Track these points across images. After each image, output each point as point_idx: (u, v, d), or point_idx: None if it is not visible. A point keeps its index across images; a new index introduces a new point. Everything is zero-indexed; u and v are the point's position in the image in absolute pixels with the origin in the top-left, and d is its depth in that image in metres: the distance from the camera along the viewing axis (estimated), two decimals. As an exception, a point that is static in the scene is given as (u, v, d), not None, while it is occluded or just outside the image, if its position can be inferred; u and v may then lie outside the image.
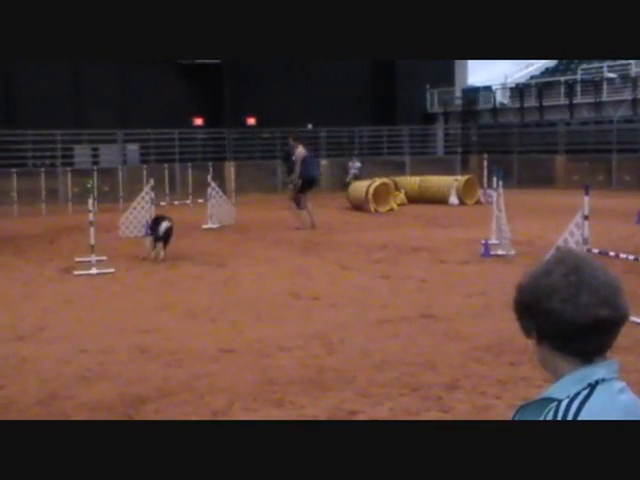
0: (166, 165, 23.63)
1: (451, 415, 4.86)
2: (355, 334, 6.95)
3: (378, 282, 9.56)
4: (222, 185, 21.13)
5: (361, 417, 4.84)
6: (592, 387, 1.57)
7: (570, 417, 1.54)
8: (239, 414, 4.96)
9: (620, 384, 1.61)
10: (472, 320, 7.40)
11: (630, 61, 25.76)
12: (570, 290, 1.59)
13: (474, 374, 5.71)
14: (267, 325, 7.39)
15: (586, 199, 7.85)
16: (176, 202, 20.77)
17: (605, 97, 26.27)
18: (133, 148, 25.75)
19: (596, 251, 7.97)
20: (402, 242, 13.06)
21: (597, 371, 1.60)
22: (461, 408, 4.99)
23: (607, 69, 26.63)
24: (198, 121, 26.89)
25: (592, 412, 1.53)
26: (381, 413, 4.90)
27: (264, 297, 8.70)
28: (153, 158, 24.97)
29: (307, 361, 6.11)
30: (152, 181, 15.98)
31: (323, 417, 4.86)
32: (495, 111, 29.72)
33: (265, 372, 5.84)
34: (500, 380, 5.53)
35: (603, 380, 1.59)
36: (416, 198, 21.27)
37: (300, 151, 14.89)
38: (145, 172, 21.52)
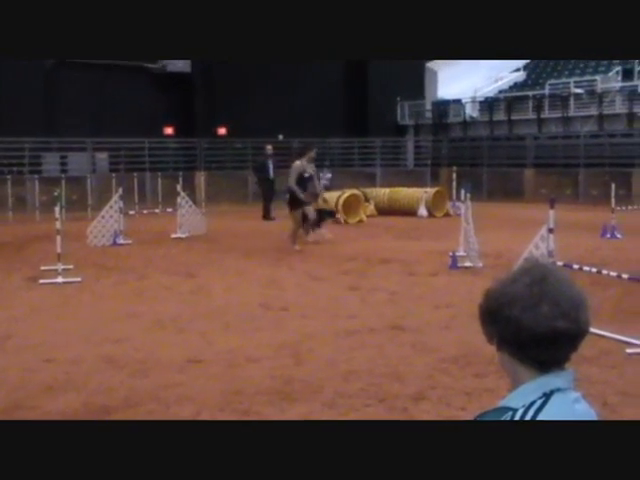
0: (136, 174, 23.49)
1: (417, 426, 4.89)
2: (323, 345, 6.97)
3: (347, 293, 9.60)
4: (192, 195, 21.08)
5: (327, 428, 4.85)
6: (547, 396, 1.61)
7: None
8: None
9: (575, 394, 1.65)
10: (440, 332, 7.46)
11: (596, 77, 26.25)
12: (532, 300, 1.62)
13: (440, 385, 5.76)
14: (236, 336, 7.37)
15: (551, 212, 7.98)
16: (145, 211, 20.68)
17: (572, 112, 26.71)
18: (102, 157, 25.56)
19: (561, 264, 8.10)
20: (371, 253, 13.12)
21: (553, 381, 1.63)
22: (426, 419, 5.02)
23: (574, 85, 27.09)
24: (169, 130, 26.79)
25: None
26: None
27: (233, 307, 8.68)
28: (123, 167, 24.81)
29: (275, 372, 6.12)
30: (121, 190, 15.90)
31: (290, 428, 4.86)
32: (465, 124, 30.04)
33: (233, 383, 5.83)
34: (465, 391, 5.58)
35: (558, 390, 1.62)
36: (386, 210, 21.39)
37: (297, 165, 13.75)
38: (114, 181, 21.40)
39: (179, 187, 16.98)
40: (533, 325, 1.61)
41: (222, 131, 27.37)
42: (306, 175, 13.51)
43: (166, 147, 26.27)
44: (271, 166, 20.54)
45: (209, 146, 26.63)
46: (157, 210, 20.74)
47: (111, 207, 15.22)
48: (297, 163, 13.63)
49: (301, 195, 13.36)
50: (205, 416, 5.10)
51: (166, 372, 6.14)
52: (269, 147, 20.84)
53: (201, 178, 24.50)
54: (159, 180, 23.37)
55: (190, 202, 16.99)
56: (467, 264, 11.31)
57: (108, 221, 15.07)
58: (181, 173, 22.24)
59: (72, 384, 5.82)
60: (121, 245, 14.74)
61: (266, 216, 20.26)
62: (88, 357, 6.58)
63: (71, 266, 11.20)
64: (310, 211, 13.96)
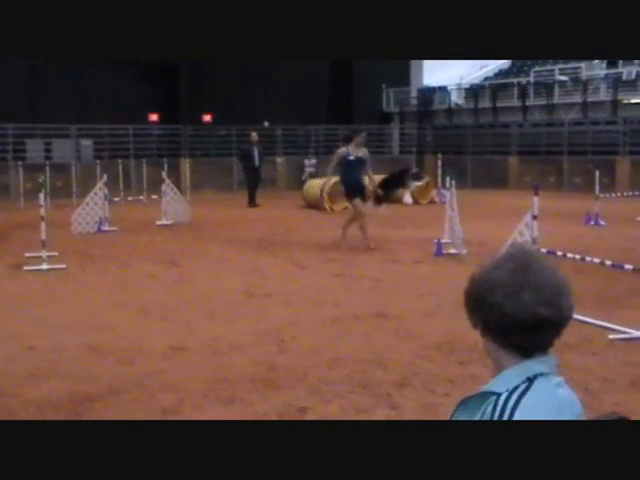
0: (120, 161, 23.36)
1: (400, 412, 4.92)
2: (307, 332, 6.99)
3: (331, 281, 9.61)
4: (177, 182, 21.01)
5: (310, 415, 4.87)
6: (530, 381, 1.63)
7: (508, 410, 1.58)
8: (189, 412, 4.95)
9: (557, 379, 1.67)
10: (424, 319, 7.49)
11: (581, 64, 26.31)
12: (514, 286, 1.64)
13: (424, 372, 5.78)
14: (220, 323, 7.37)
15: (535, 199, 8.01)
16: (130, 198, 20.58)
17: (557, 100, 26.78)
18: (87, 143, 25.40)
19: (544, 251, 8.14)
20: (356, 241, 13.12)
21: (536, 366, 1.65)
22: (410, 406, 5.05)
23: (559, 72, 27.14)
24: (153, 117, 26.63)
25: (529, 405, 1.58)
26: (331, 410, 4.94)
27: (217, 295, 8.67)
28: (107, 154, 24.66)
29: (259, 359, 6.12)
30: (105, 177, 15.82)
31: (273, 415, 4.88)
32: (450, 112, 30.05)
33: (216, 370, 5.83)
34: (449, 378, 5.61)
35: (542, 374, 1.64)
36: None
37: (340, 150, 12.35)
38: (99, 168, 21.27)
39: (164, 174, 16.91)
40: (516, 311, 1.63)
41: (207, 118, 27.24)
42: (351, 158, 11.98)
43: (150, 134, 26.12)
44: (256, 153, 20.49)
45: (194, 133, 26.51)
46: (142, 197, 20.65)
47: (96, 194, 15.15)
48: (341, 149, 12.32)
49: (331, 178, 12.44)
50: (188, 404, 5.10)
51: (150, 360, 6.13)
52: (254, 134, 20.78)
53: (186, 165, 24.40)
54: (144, 167, 23.25)
55: (175, 189, 16.93)
56: (452, 251, 11.35)
57: (93, 208, 14.99)
58: (166, 160, 22.15)
59: (55, 372, 5.80)
60: (106, 232, 14.68)
61: (251, 203, 20.26)
62: (72, 345, 6.56)
63: (56, 253, 11.14)
64: (359, 204, 12.10)
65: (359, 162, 12.04)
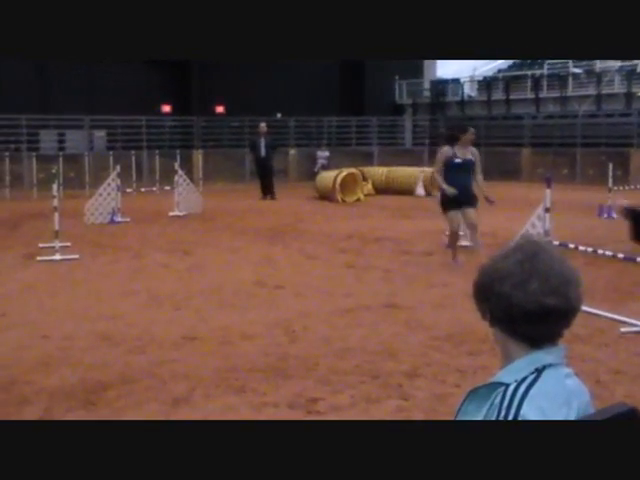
0: (133, 152, 23.43)
1: (410, 403, 4.93)
2: (318, 323, 7.00)
3: (343, 271, 9.63)
4: (190, 173, 21.04)
5: (321, 404, 4.89)
6: (539, 372, 1.63)
7: (517, 400, 1.59)
8: (200, 400, 4.99)
9: (566, 370, 1.67)
10: (434, 310, 7.49)
11: (595, 56, 26.10)
12: (522, 276, 1.64)
13: (434, 363, 5.79)
14: (231, 313, 7.40)
15: (548, 192, 7.98)
16: (143, 189, 20.67)
17: (570, 92, 26.63)
18: (100, 134, 25.48)
19: (557, 243, 8.12)
20: (368, 232, 13.14)
21: (545, 357, 1.65)
22: (420, 396, 5.06)
23: (572, 64, 26.98)
24: (166, 108, 26.68)
25: (538, 396, 1.59)
26: (341, 401, 4.96)
27: (229, 285, 8.71)
28: (120, 145, 24.74)
29: (270, 349, 6.15)
30: (118, 168, 15.88)
31: (284, 404, 4.90)
32: (463, 103, 29.95)
33: (227, 359, 5.86)
34: (459, 369, 5.61)
35: (550, 365, 1.65)
36: (383, 189, 21.39)
37: (444, 151, 10.02)
38: (112, 159, 21.35)
39: (177, 165, 16.95)
40: (523, 301, 1.63)
41: (219, 109, 27.27)
42: (457, 161, 9.74)
43: (163, 125, 26.17)
44: (263, 144, 20.20)
45: (206, 124, 26.54)
46: (154, 188, 20.73)
47: (109, 185, 15.21)
48: (445, 148, 10.03)
49: (444, 185, 9.65)
50: (199, 392, 5.13)
51: (161, 349, 6.17)
52: (263, 125, 20.57)
53: (198, 156, 24.45)
54: (156, 158, 23.31)
55: (187, 180, 16.97)
56: (463, 243, 11.32)
57: (105, 199, 15.06)
58: (178, 151, 22.20)
59: (67, 360, 5.84)
60: (118, 223, 14.75)
61: (265, 195, 20.16)
62: (83, 334, 6.60)
63: (68, 244, 11.21)
64: (469, 216, 9.72)
65: (467, 165, 9.80)
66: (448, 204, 9.64)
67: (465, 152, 9.85)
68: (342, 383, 5.30)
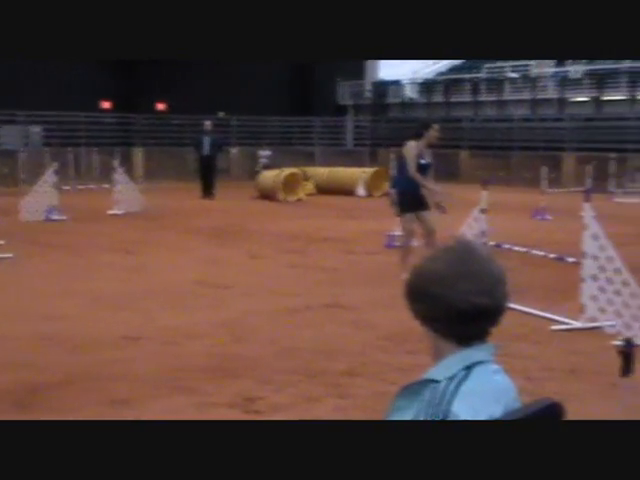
0: (71, 149, 23.01)
1: (350, 401, 5.04)
2: (263, 323, 7.06)
3: (288, 271, 9.70)
4: (130, 171, 20.78)
5: (260, 404, 4.95)
6: (469, 369, 1.69)
7: (447, 397, 1.64)
8: (142, 401, 4.99)
9: (495, 366, 1.73)
10: (377, 309, 7.61)
11: (530, 62, 26.82)
12: (452, 277, 1.69)
13: (375, 361, 5.91)
14: (174, 313, 7.39)
15: (484, 193, 8.20)
16: (81, 187, 20.31)
17: (507, 96, 27.26)
18: (36, 130, 24.93)
19: (493, 244, 8.35)
20: (312, 232, 13.24)
21: (474, 354, 1.71)
22: (360, 394, 5.16)
23: (509, 69, 27.62)
24: (106, 105, 26.27)
25: (467, 392, 1.65)
26: (281, 400, 5.02)
27: (173, 285, 8.68)
28: (58, 141, 24.26)
29: (213, 349, 6.18)
30: (56, 164, 15.59)
31: (224, 404, 4.94)
32: (404, 105, 30.33)
33: (170, 360, 5.87)
34: (399, 367, 5.73)
35: (480, 362, 1.70)
36: (325, 189, 21.53)
37: (413, 146, 9.13)
38: (48, 155, 20.93)
39: (116, 163, 16.73)
40: (454, 301, 1.69)
41: (161, 107, 26.99)
42: (422, 162, 9.10)
43: (103, 122, 25.77)
44: (207, 142, 20.05)
45: (147, 122, 26.24)
46: (93, 186, 20.41)
47: (45, 182, 14.93)
48: (412, 143, 9.14)
49: (434, 187, 9.18)
50: (142, 393, 5.13)
51: (103, 349, 6.13)
52: (208, 123, 20.41)
53: (139, 154, 24.17)
54: (95, 155, 22.94)
55: (127, 178, 16.77)
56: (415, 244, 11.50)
57: (42, 196, 14.78)
58: (118, 149, 21.90)
59: (5, 361, 5.75)
60: (55, 221, 14.49)
61: (205, 194, 20.02)
62: (22, 334, 6.50)
63: (2, 242, 10.97)
64: (428, 219, 9.11)
65: (427, 168, 9.22)
66: (407, 206, 8.99)
67: (427, 152, 9.24)
68: (283, 382, 5.37)
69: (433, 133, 9.21)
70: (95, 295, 8.10)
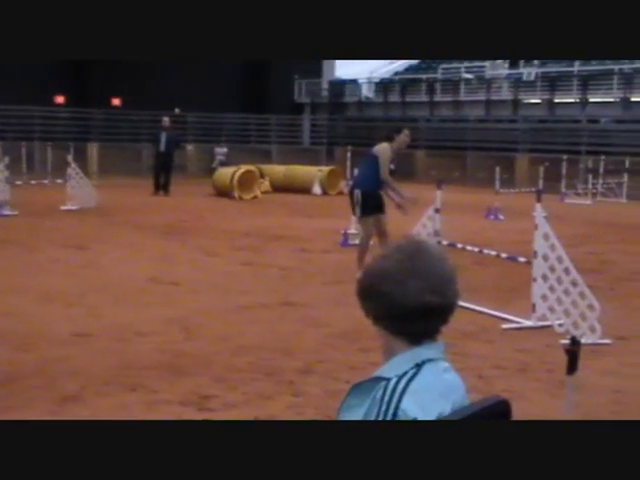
0: (24, 143, 22.59)
1: (303, 399, 5.04)
2: (214, 320, 7.02)
3: (240, 269, 9.66)
4: (84, 167, 20.47)
5: (214, 402, 4.92)
6: (419, 367, 1.70)
7: (397, 395, 1.65)
8: (91, 398, 4.92)
9: (445, 364, 1.75)
10: (330, 307, 7.63)
11: (485, 63, 27.18)
12: (402, 275, 1.71)
13: (328, 359, 5.92)
14: (125, 310, 7.31)
15: (438, 193, 8.28)
16: (33, 182, 19.95)
17: (463, 97, 27.58)
18: (-13, 124, 24.40)
19: (446, 243, 8.43)
20: (265, 230, 13.21)
21: (424, 352, 1.73)
22: (313, 392, 5.17)
23: (464, 70, 27.96)
24: (60, 99, 25.82)
25: (417, 390, 1.66)
26: (234, 398, 5.00)
27: (124, 282, 8.58)
28: (11, 135, 23.77)
29: (164, 346, 6.12)
30: (7, 159, 15.29)
31: (176, 402, 4.91)
32: (361, 104, 30.47)
33: (121, 357, 5.80)
34: (352, 366, 5.76)
35: (430, 360, 1.72)
36: (281, 187, 21.52)
37: (386, 148, 8.97)
38: (0, 149, 20.49)
39: (70, 158, 16.46)
40: (403, 300, 1.70)
41: (116, 102, 26.64)
42: (392, 167, 9.16)
43: (57, 117, 25.33)
44: (163, 139, 19.84)
45: (103, 117, 25.88)
46: (46, 181, 20.07)
47: (-5, 177, 14.64)
48: (387, 146, 8.94)
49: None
50: (91, 390, 5.06)
51: (52, 346, 6.03)
52: (166, 119, 20.21)
53: (93, 150, 23.83)
54: (49, 150, 22.55)
55: (81, 174, 16.52)
56: (357, 242, 11.56)
57: (-8, 191, 14.48)
58: (72, 144, 21.54)
59: (-50, 359, 5.63)
60: (6, 216, 14.21)
61: (157, 190, 19.71)
62: (-32, 331, 6.37)
63: (-49, 237, 10.74)
64: (383, 222, 9.09)
65: (394, 173, 9.24)
66: (371, 209, 8.90)
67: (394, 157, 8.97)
68: (236, 380, 5.35)
69: (404, 138, 9.03)
70: (44, 291, 7.96)
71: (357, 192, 8.96)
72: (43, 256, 10.18)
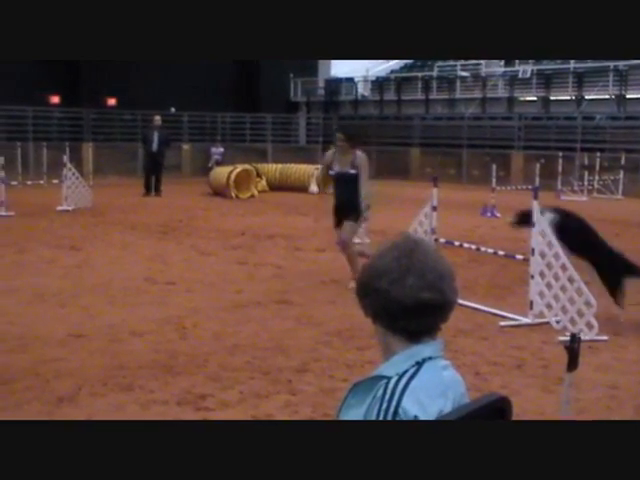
0: (19, 144, 22.52)
1: (299, 398, 5.01)
2: (209, 319, 6.99)
3: (235, 268, 9.63)
4: (79, 167, 20.37)
5: (210, 401, 4.90)
6: (419, 365, 1.70)
7: (397, 393, 1.65)
8: (86, 399, 4.89)
9: (444, 362, 1.75)
10: (325, 306, 7.62)
11: (481, 61, 27.15)
12: (399, 272, 1.71)
13: (324, 358, 5.90)
14: (120, 310, 7.28)
15: (434, 191, 8.25)
16: (29, 182, 19.87)
17: (458, 94, 27.56)
18: (-19, 124, 24.31)
19: (442, 241, 8.40)
20: (261, 229, 13.18)
21: (424, 350, 1.73)
22: (309, 391, 5.15)
23: (460, 68, 27.93)
24: (54, 99, 25.73)
25: (417, 388, 1.66)
26: (230, 397, 4.98)
27: (118, 282, 8.54)
28: (5, 136, 23.69)
29: (159, 346, 6.09)
30: (2, 159, 15.23)
31: (172, 402, 4.88)
32: (356, 103, 30.43)
33: (115, 357, 5.77)
34: (348, 364, 5.74)
35: (429, 358, 1.72)
36: (277, 186, 21.47)
37: (327, 154, 9.27)
38: (-6, 150, 20.44)
39: (65, 158, 16.41)
40: (400, 297, 1.70)
41: (111, 102, 26.55)
42: (330, 172, 8.97)
43: (51, 117, 25.24)
44: (155, 138, 19.54)
45: (97, 117, 25.80)
46: (42, 181, 20.01)
47: (-10, 177, 14.59)
48: (328, 151, 9.30)
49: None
50: (86, 391, 5.03)
51: (45, 347, 6.00)
52: (157, 118, 19.94)
53: (88, 150, 23.75)
54: (44, 150, 22.47)
55: (76, 174, 16.47)
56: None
57: (-13, 192, 14.43)
58: (67, 144, 21.46)
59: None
60: (2, 217, 14.16)
61: (148, 191, 19.41)
62: (-39, 332, 6.33)
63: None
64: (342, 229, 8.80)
65: (343, 177, 8.88)
66: (334, 216, 8.98)
67: (346, 160, 8.60)
68: (232, 379, 5.33)
69: (338, 142, 8.77)
70: (38, 292, 7.92)
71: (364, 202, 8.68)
72: (37, 257, 10.14)
